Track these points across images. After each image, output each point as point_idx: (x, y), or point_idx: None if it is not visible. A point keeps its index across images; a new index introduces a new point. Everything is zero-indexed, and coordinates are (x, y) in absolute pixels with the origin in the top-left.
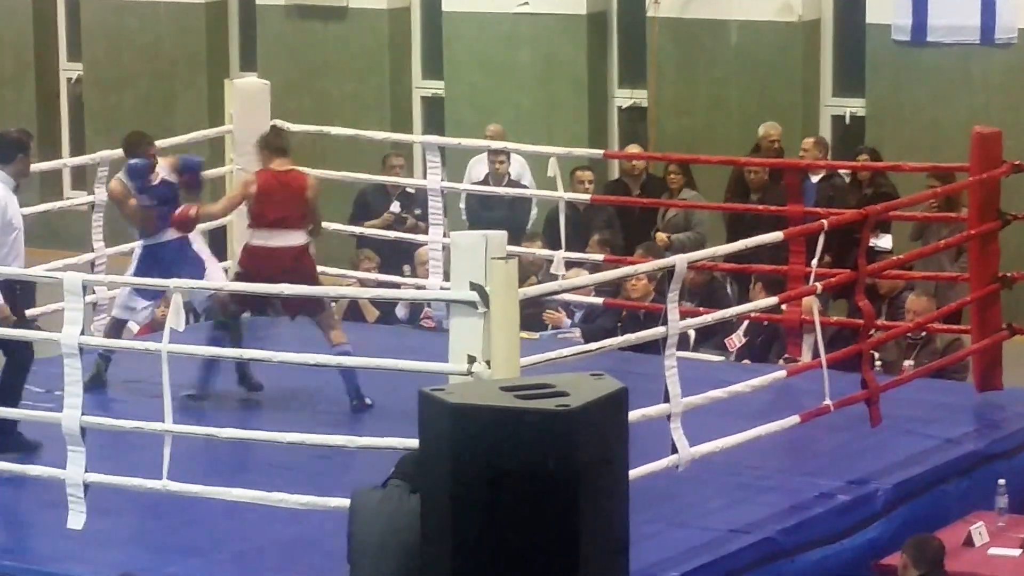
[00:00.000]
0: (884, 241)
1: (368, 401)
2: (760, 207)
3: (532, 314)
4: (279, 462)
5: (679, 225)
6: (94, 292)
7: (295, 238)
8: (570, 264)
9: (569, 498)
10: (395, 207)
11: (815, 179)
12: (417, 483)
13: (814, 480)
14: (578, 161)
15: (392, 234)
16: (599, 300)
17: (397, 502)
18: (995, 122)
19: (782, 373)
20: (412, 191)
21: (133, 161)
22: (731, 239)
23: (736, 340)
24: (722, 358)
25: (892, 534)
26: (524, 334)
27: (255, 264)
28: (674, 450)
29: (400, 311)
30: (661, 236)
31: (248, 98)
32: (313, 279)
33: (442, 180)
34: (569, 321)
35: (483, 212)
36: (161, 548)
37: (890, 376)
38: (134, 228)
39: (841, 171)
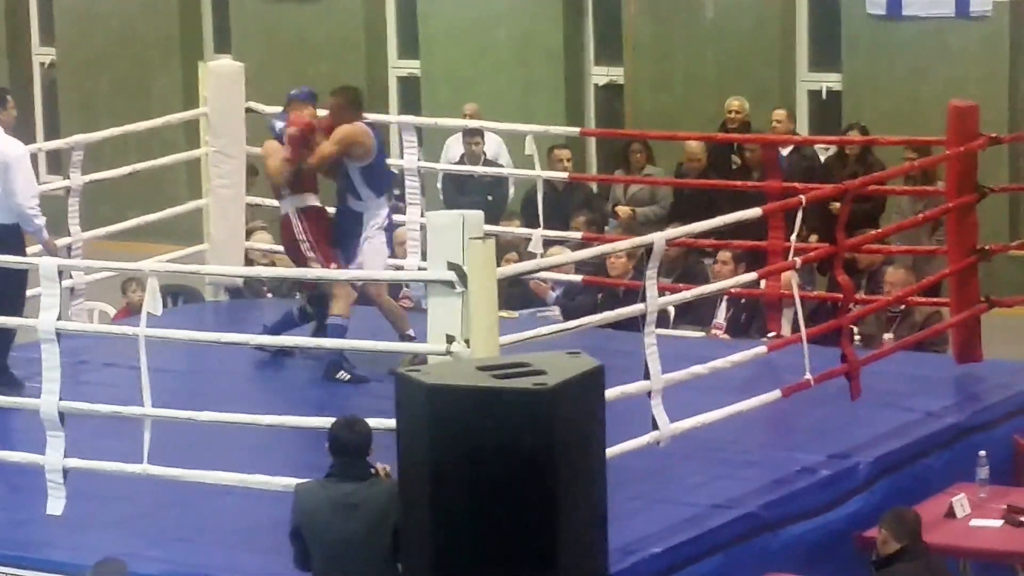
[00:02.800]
0: None
1: (345, 377)
2: (739, 183)
3: (511, 293)
4: (259, 444)
5: (644, 200)
6: (71, 277)
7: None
8: (550, 242)
9: (547, 475)
10: None
11: (784, 152)
12: (357, 466)
13: (796, 454)
14: (555, 139)
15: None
16: (578, 278)
17: (349, 495)
18: (971, 95)
19: (763, 348)
20: (395, 172)
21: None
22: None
23: (721, 322)
24: (702, 334)
25: (874, 507)
26: (503, 313)
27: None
28: (655, 426)
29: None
30: (624, 209)
31: (223, 80)
32: (293, 246)
33: (419, 160)
34: (555, 294)
35: (460, 196)
36: (142, 532)
37: (870, 350)
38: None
39: (826, 146)
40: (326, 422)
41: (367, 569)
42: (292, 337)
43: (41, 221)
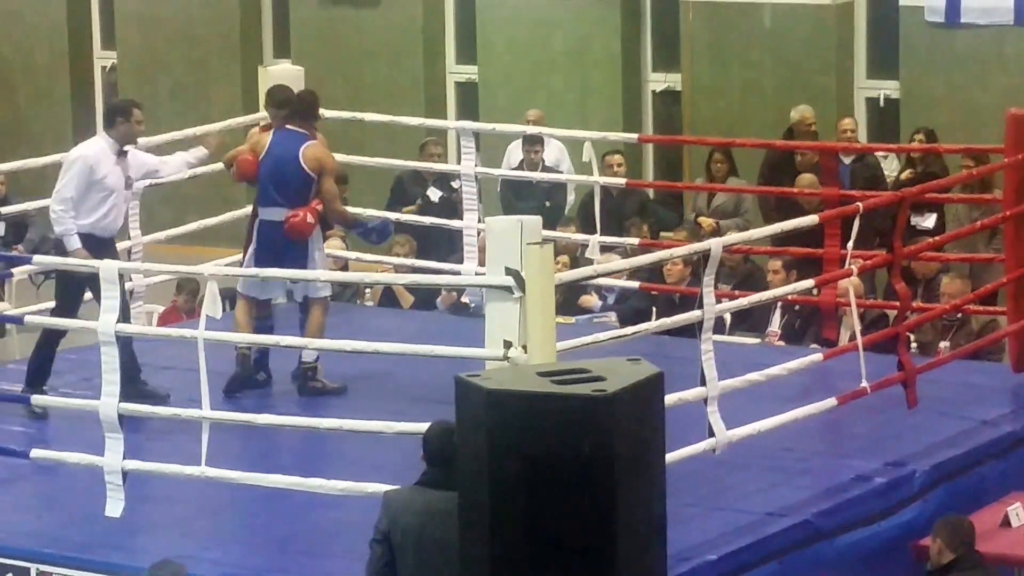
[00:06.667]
0: (928, 221)
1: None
2: (795, 190)
3: (567, 298)
4: (317, 449)
5: (728, 211)
6: (131, 280)
7: None
8: (607, 248)
9: (606, 482)
10: (432, 194)
11: (848, 161)
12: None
13: (851, 462)
14: (612, 145)
15: (427, 219)
16: (635, 284)
17: (445, 502)
18: None
19: (819, 356)
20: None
21: None
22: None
23: (775, 330)
24: (758, 341)
25: (930, 516)
26: (560, 319)
27: None
28: (711, 433)
29: (441, 305)
30: (707, 221)
31: None
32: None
33: (476, 165)
34: (600, 303)
35: (517, 202)
36: (200, 534)
37: (926, 358)
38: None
39: (884, 154)
40: (384, 426)
41: None
42: (352, 342)
43: (60, 228)
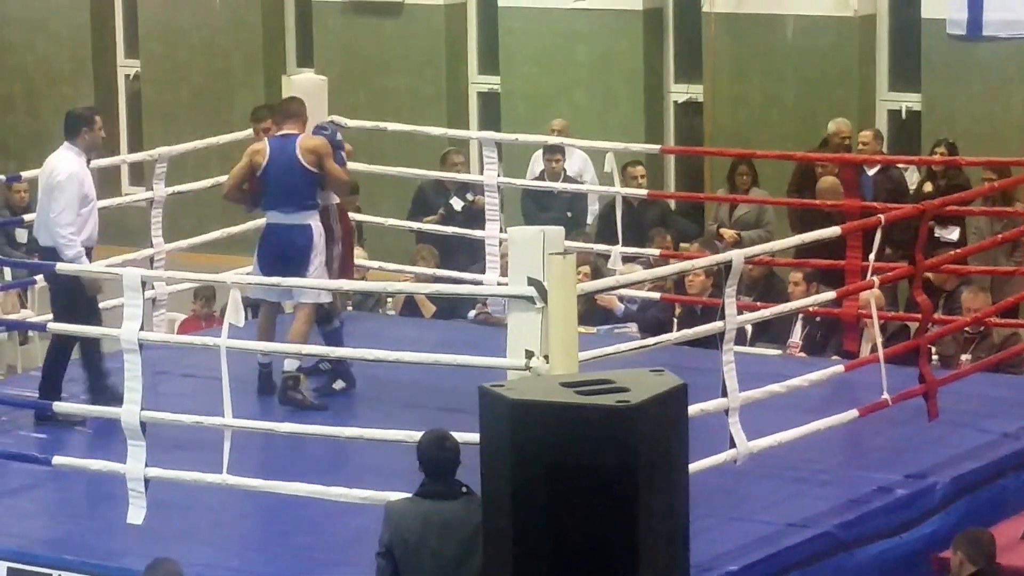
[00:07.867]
0: (952, 233)
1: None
2: (818, 202)
3: (587, 308)
4: (339, 457)
5: (750, 223)
6: (153, 288)
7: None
8: (628, 259)
9: (629, 493)
10: (456, 203)
11: (871, 172)
12: (449, 484)
13: (872, 474)
14: (634, 156)
15: (449, 229)
16: (656, 295)
17: (443, 514)
18: None
19: (840, 367)
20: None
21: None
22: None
23: (796, 341)
24: (779, 352)
25: (950, 528)
26: (581, 329)
27: None
28: (732, 444)
29: (472, 316)
30: (730, 232)
31: (305, 94)
32: None
33: (499, 176)
34: (623, 306)
35: (539, 212)
36: (221, 542)
37: (947, 370)
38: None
39: (904, 166)
40: (405, 435)
41: None
42: (374, 351)
43: (72, 252)
